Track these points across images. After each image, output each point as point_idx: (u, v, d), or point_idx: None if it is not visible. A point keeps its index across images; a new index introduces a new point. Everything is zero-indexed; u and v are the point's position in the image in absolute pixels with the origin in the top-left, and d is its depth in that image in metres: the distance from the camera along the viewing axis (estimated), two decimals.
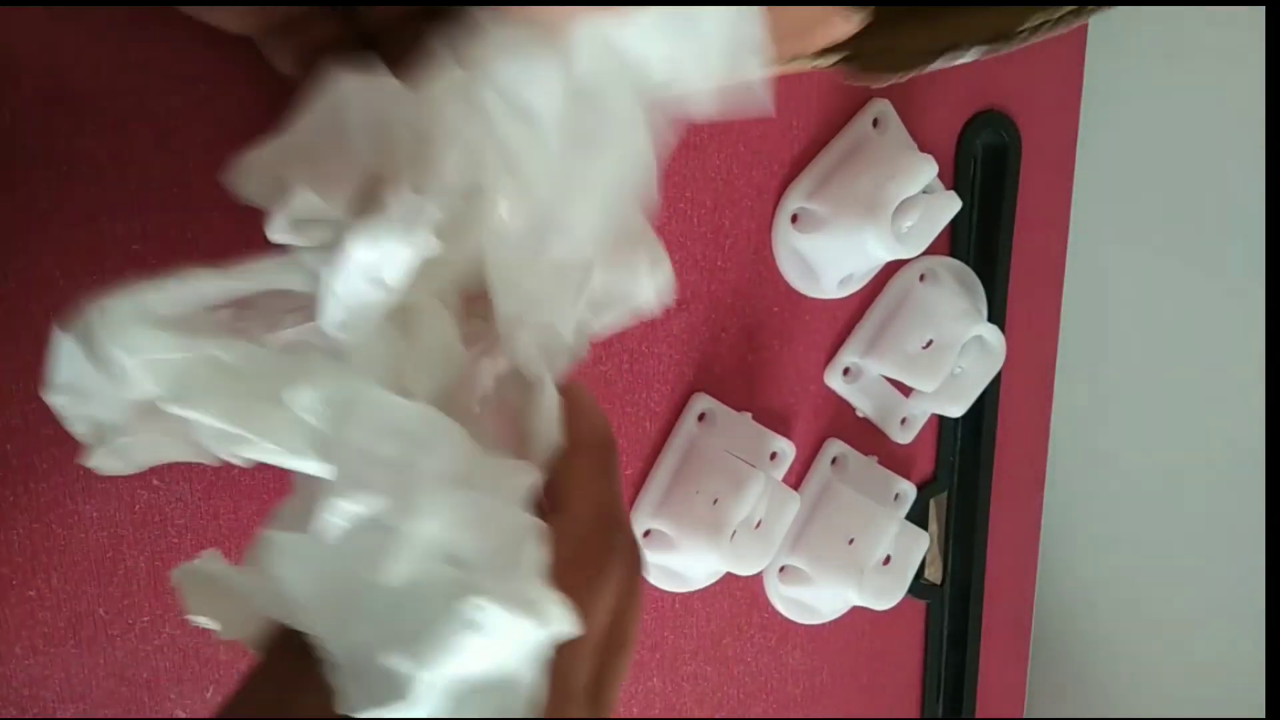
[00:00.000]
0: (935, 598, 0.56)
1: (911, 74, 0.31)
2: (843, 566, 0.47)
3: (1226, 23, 0.54)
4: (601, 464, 0.26)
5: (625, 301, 0.27)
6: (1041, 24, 0.29)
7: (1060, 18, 0.29)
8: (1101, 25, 0.53)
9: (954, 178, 0.50)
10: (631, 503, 0.44)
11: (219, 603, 0.22)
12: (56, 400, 0.23)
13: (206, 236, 0.32)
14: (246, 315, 0.24)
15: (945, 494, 0.55)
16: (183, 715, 0.36)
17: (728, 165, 0.43)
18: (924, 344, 0.47)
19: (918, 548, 0.48)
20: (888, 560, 0.48)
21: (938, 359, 0.46)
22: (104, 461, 0.24)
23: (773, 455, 0.46)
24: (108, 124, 0.30)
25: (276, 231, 0.23)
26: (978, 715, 0.58)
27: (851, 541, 0.47)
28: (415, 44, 0.24)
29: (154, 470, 0.33)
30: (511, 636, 0.19)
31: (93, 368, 0.22)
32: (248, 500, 0.35)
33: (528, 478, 0.23)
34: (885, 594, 0.47)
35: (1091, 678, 0.67)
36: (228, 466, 0.25)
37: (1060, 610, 0.66)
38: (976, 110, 0.50)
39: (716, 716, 0.50)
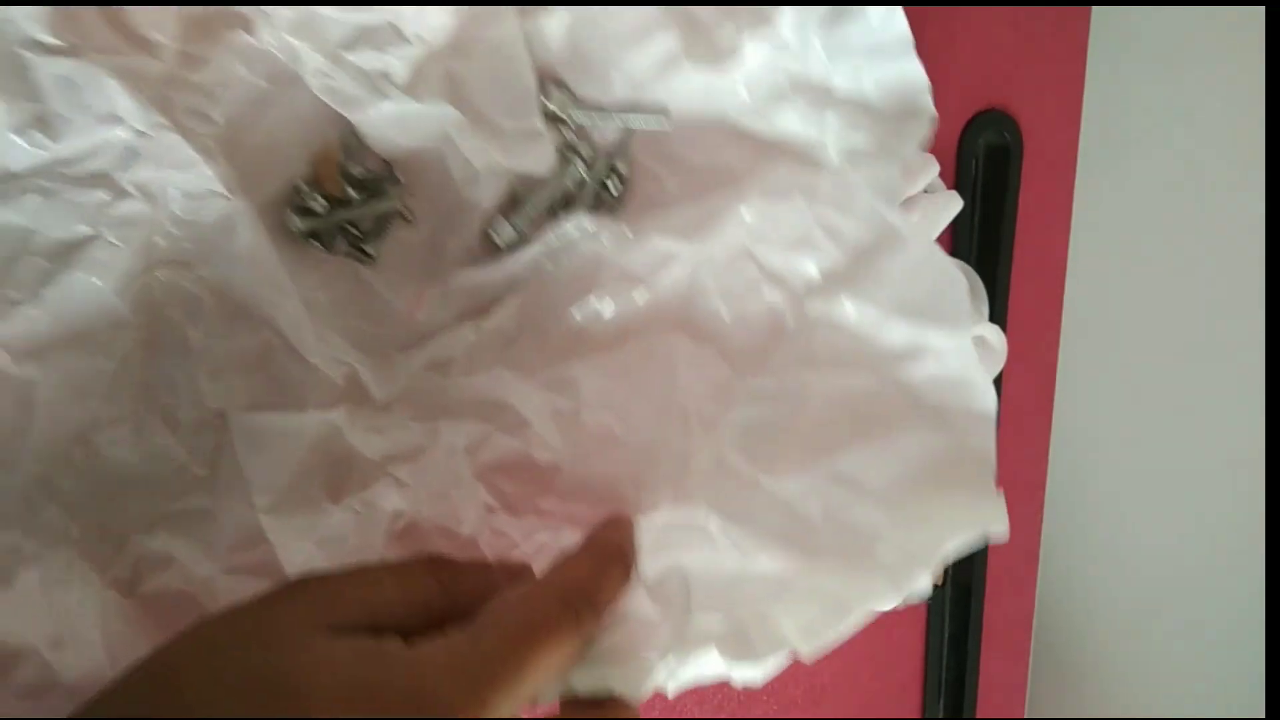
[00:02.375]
0: (935, 598, 0.56)
1: None
2: None
3: (1227, 23, 0.54)
4: None
5: None
6: None
7: None
8: (1104, 25, 0.53)
9: (955, 177, 0.50)
10: None
11: None
12: None
13: None
14: None
15: None
16: None
17: None
18: None
19: None
20: None
21: None
22: None
23: None
24: None
25: None
26: (978, 715, 0.58)
27: None
28: None
29: None
30: None
31: None
32: None
33: None
34: None
35: (1092, 678, 0.67)
36: None
37: (1061, 610, 0.66)
38: (978, 110, 0.50)
39: (717, 717, 0.50)
